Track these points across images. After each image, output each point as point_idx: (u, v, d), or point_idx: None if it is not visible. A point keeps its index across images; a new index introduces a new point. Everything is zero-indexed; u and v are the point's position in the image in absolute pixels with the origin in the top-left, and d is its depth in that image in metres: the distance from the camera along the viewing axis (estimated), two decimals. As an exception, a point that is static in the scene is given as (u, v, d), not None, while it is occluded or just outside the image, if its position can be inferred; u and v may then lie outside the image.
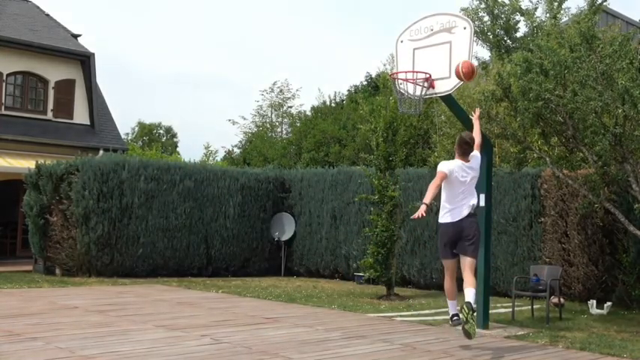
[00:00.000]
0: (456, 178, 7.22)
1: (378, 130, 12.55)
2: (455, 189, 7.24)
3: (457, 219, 7.20)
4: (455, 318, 7.33)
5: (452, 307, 7.40)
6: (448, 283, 7.42)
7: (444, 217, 7.29)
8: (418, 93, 8.79)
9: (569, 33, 9.36)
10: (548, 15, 15.64)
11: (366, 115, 12.81)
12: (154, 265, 15.13)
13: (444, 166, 7.28)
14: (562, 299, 10.39)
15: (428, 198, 6.91)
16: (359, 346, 7.37)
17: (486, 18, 16.48)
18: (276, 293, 12.48)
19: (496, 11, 16.25)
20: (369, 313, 10.13)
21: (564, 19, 16.49)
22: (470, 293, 6.93)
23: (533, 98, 9.14)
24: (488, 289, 9.24)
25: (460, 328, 7.02)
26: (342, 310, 10.36)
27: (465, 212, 7.22)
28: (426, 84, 8.72)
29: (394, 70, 9.52)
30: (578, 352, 7.42)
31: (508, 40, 16.19)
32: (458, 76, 8.08)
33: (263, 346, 7.11)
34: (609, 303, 10.97)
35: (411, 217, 7.05)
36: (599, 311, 10.71)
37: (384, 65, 33.32)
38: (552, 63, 9.08)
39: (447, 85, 8.67)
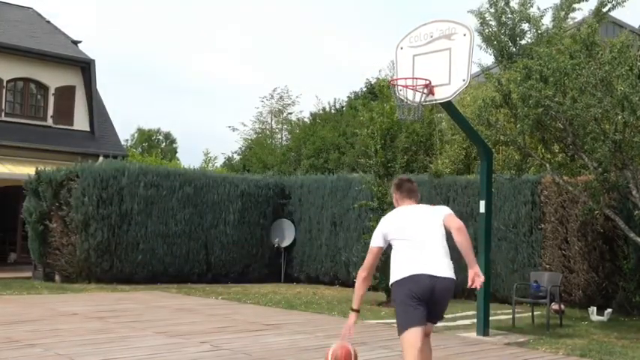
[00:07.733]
0: None
1: (376, 137, 12.53)
2: None
3: None
4: None
5: None
6: None
7: None
8: (418, 99, 8.80)
9: (566, 42, 9.38)
10: (553, 23, 15.58)
11: (366, 121, 12.78)
12: (153, 272, 15.10)
13: None
14: (562, 306, 10.38)
15: None
16: (359, 352, 7.34)
17: (493, 23, 16.43)
18: (276, 300, 12.46)
19: (503, 18, 16.18)
20: (369, 319, 10.11)
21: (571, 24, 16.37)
22: None
23: (533, 105, 9.15)
24: (489, 296, 9.23)
25: None
26: (342, 317, 10.32)
27: None
28: (425, 90, 8.73)
29: (394, 77, 9.53)
30: (579, 359, 7.41)
31: (512, 48, 16.12)
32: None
33: (263, 353, 7.09)
34: (610, 310, 10.95)
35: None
36: (599, 318, 10.69)
37: (380, 71, 33.40)
38: (552, 70, 9.09)
39: (446, 91, 8.68)
